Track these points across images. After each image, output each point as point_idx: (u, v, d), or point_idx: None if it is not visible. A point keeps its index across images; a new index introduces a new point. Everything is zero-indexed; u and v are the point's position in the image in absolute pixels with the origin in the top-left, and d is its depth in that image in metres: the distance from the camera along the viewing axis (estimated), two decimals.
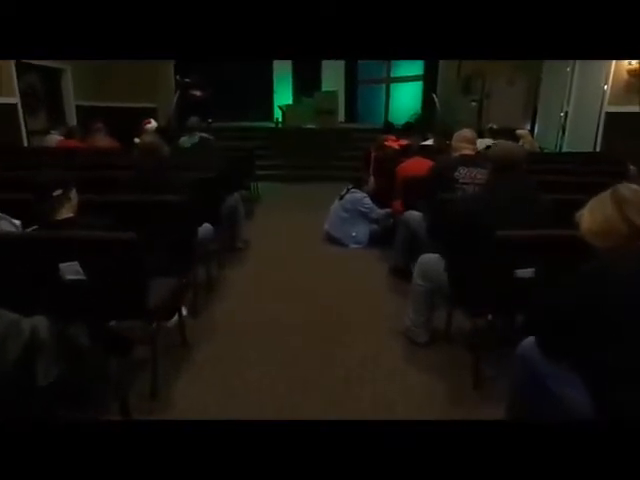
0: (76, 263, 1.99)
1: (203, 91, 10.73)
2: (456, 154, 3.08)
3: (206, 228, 3.38)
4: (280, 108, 10.49)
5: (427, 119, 9.77)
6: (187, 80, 10.75)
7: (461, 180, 2.97)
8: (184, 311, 3.03)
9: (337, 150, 9.03)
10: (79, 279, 2.01)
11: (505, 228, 2.06)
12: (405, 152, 4.30)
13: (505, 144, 2.32)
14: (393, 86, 11.85)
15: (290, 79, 12.54)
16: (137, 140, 6.40)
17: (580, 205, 1.45)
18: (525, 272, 2.05)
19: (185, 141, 6.13)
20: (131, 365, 2.36)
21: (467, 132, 3.12)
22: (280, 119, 10.40)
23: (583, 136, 6.83)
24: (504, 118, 7.98)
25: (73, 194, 2.11)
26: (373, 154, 5.36)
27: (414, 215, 3.50)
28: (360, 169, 6.60)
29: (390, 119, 11.75)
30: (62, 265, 1.96)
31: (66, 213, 2.06)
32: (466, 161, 3.00)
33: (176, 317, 2.72)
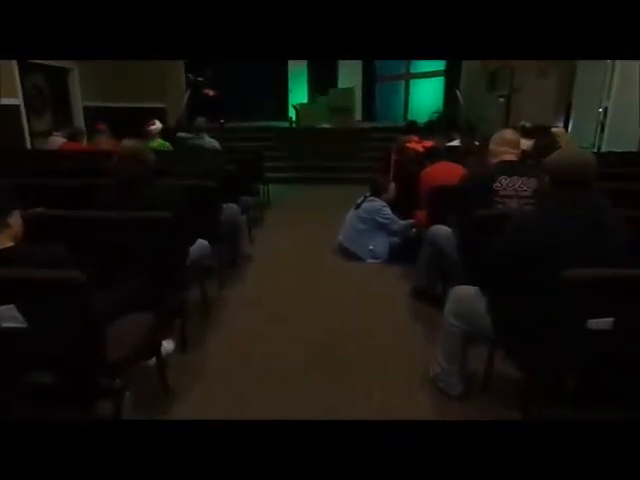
0: (12, 307, 1.55)
1: (216, 90, 10.33)
2: (495, 160, 2.56)
3: (201, 245, 2.93)
4: (294, 107, 10.02)
5: (450, 117, 9.18)
6: (199, 79, 10.36)
7: (502, 192, 2.45)
8: (170, 345, 2.59)
9: (354, 151, 8.52)
10: (17, 326, 1.57)
11: (569, 263, 1.55)
12: (430, 155, 3.77)
13: (569, 151, 1.79)
14: (413, 82, 11.27)
15: (305, 77, 12.07)
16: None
17: None
18: (600, 323, 1.53)
19: (187, 139, 5.75)
20: None
21: (509, 133, 2.59)
22: (294, 119, 9.93)
23: (626, 134, 6.19)
24: (535, 115, 7.34)
25: (14, 218, 1.67)
26: (393, 157, 4.84)
27: (442, 230, 2.98)
28: (377, 172, 6.09)
29: (410, 117, 11.27)
30: None
31: (3, 243, 1.62)
32: (508, 169, 2.47)
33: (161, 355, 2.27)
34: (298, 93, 11.71)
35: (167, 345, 2.54)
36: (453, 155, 3.97)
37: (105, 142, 5.80)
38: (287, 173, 8.17)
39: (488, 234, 2.38)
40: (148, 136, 5.81)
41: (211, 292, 3.36)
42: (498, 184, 2.45)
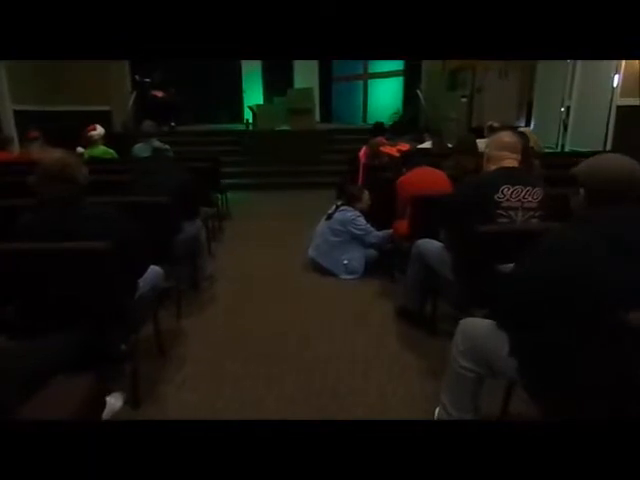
0: None
1: (165, 92, 9.70)
2: (493, 166, 2.25)
3: (153, 273, 2.46)
4: (250, 108, 9.55)
5: (411, 118, 9.01)
6: (147, 80, 9.71)
7: (505, 204, 2.14)
8: (118, 402, 2.12)
9: (316, 153, 8.16)
10: None
11: (619, 296, 1.25)
12: (406, 160, 3.46)
13: (607, 157, 1.49)
14: (371, 82, 11.03)
15: (260, 77, 11.62)
16: (80, 150, 5.42)
17: None
18: None
19: (140, 149, 5.21)
20: None
21: (507, 136, 2.29)
22: (251, 121, 9.46)
23: (590, 133, 6.15)
24: (497, 114, 7.24)
25: None
26: (363, 161, 4.50)
27: (431, 245, 2.66)
28: (346, 178, 5.76)
29: (369, 118, 11.05)
30: None
31: None
32: (510, 177, 2.17)
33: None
34: (253, 94, 11.25)
35: (114, 402, 2.07)
36: (427, 159, 3.67)
37: (39, 151, 5.13)
38: (246, 179, 7.71)
39: (493, 253, 2.08)
40: (89, 143, 5.22)
41: (169, 324, 2.90)
42: (500, 195, 2.14)
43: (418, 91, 8.87)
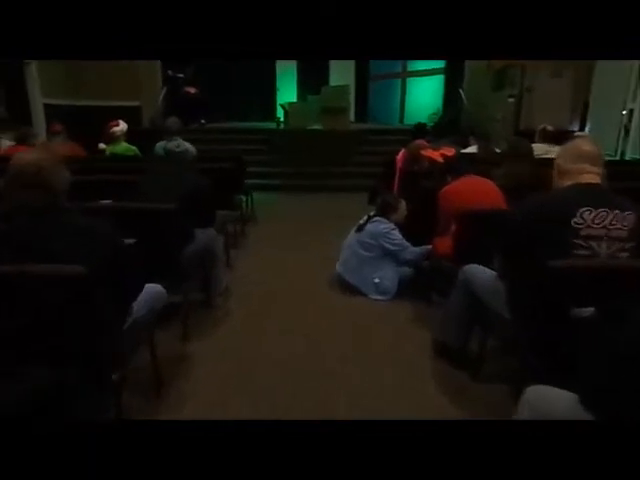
0: None
1: (198, 88, 9.48)
2: (568, 182, 1.79)
3: (150, 293, 2.11)
4: (282, 107, 9.19)
5: (451, 119, 8.46)
6: (180, 75, 9.50)
7: (584, 232, 1.67)
8: None
9: (349, 155, 7.74)
10: None
11: None
12: (452, 167, 3.00)
13: None
14: (410, 81, 10.50)
15: (295, 75, 11.26)
16: (102, 146, 5.19)
17: None
18: None
19: (162, 147, 4.92)
20: None
21: (585, 143, 1.81)
22: (282, 119, 9.11)
23: None
24: (549, 117, 6.62)
25: None
26: (400, 166, 4.06)
27: (481, 273, 2.21)
28: (379, 181, 5.32)
29: (407, 119, 10.53)
30: None
31: None
32: (592, 197, 1.70)
33: None
34: (287, 92, 10.90)
35: None
36: (474, 166, 3.20)
37: (61, 145, 4.93)
38: (275, 180, 7.36)
39: (568, 294, 1.63)
40: (110, 139, 4.98)
41: (172, 348, 2.56)
42: (579, 219, 1.67)
43: (460, 90, 8.31)
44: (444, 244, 2.85)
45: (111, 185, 3.41)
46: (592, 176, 1.75)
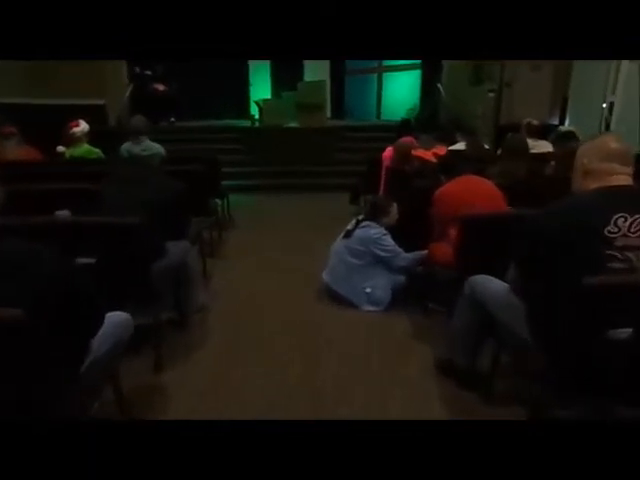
0: None
1: (167, 85, 9.05)
2: (594, 185, 1.57)
3: (113, 324, 1.81)
4: (256, 104, 8.86)
5: (430, 114, 8.30)
6: (148, 72, 9.05)
7: (619, 242, 1.45)
8: None
9: (327, 153, 7.48)
10: None
11: None
12: (446, 167, 2.78)
13: None
14: (386, 76, 10.31)
15: (268, 70, 10.92)
16: (61, 149, 4.78)
17: None
18: None
19: (127, 149, 4.56)
20: None
21: (613, 140, 1.59)
22: (257, 117, 8.78)
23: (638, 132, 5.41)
24: (528, 110, 6.52)
25: None
26: (387, 165, 3.82)
27: (492, 285, 1.98)
28: (362, 179, 5.08)
29: (384, 115, 10.35)
30: None
31: None
32: (628, 201, 1.49)
33: None
34: (261, 88, 10.56)
35: None
36: (470, 165, 2.99)
37: (14, 149, 4.50)
38: (251, 180, 7.05)
39: (602, 313, 1.41)
40: (70, 141, 4.58)
41: (142, 379, 2.25)
42: (613, 228, 1.45)
43: (439, 85, 8.14)
44: (441, 250, 2.63)
45: (70, 193, 3.06)
46: (624, 177, 1.54)
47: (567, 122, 6.91)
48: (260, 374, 2.34)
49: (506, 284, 1.92)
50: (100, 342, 1.66)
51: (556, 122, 7.01)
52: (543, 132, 4.86)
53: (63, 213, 2.82)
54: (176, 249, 2.62)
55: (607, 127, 6.05)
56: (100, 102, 7.82)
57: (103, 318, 1.64)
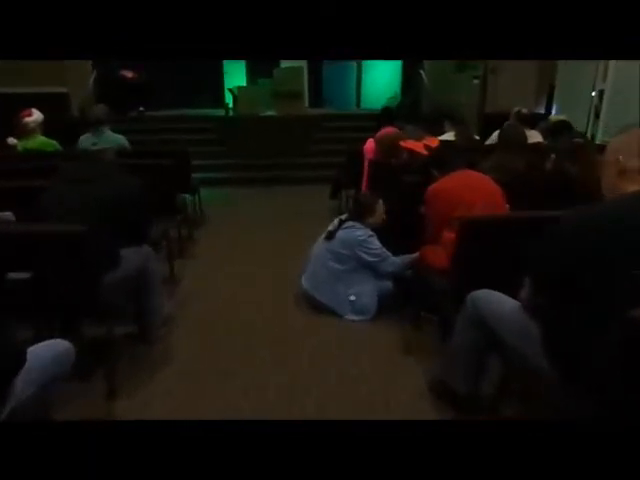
0: None
1: (136, 72, 8.52)
2: (632, 187, 1.29)
3: (48, 357, 1.48)
4: (231, 91, 8.43)
5: (411, 102, 8.01)
6: None
7: None
8: None
9: (306, 144, 7.14)
10: None
11: None
12: (439, 161, 2.48)
13: None
14: (366, 63, 9.95)
15: None
16: (13, 141, 4.33)
17: None
18: None
19: (86, 141, 4.15)
20: None
21: None
22: (231, 105, 8.36)
23: (629, 122, 5.21)
24: (513, 98, 6.31)
25: None
26: (369, 157, 3.51)
27: (499, 304, 1.70)
28: (342, 174, 4.78)
29: (363, 103, 10.02)
30: None
31: None
32: None
33: None
34: (235, 74, 10.06)
35: None
36: (464, 158, 2.70)
37: None
38: (224, 173, 6.67)
39: None
40: (23, 132, 4.13)
41: (96, 409, 1.93)
42: None
43: (421, 72, 7.85)
44: (435, 254, 2.34)
45: (18, 191, 2.67)
46: None
47: (554, 111, 6.71)
48: (231, 399, 2.03)
49: (515, 301, 1.65)
50: (25, 382, 1.33)
51: (542, 111, 6.81)
52: (533, 122, 4.64)
53: (5, 215, 2.45)
54: (134, 256, 2.28)
55: (597, 116, 5.86)
56: (62, 90, 7.31)
57: (23, 359, 1.31)
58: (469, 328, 1.78)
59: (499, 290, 1.76)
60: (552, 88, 6.72)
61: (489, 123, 5.88)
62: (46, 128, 4.36)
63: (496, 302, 1.70)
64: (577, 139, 2.89)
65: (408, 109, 7.29)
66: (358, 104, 10.12)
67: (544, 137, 4.11)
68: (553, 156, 2.83)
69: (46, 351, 1.49)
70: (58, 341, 1.56)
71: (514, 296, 1.67)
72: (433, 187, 2.38)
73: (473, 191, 2.23)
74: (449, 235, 2.21)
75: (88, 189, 2.15)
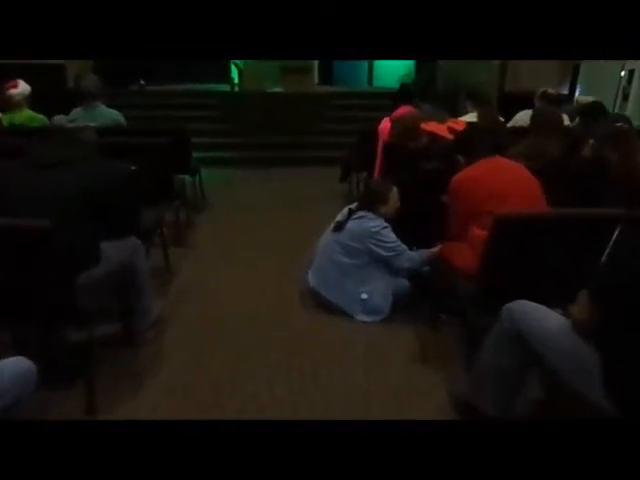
0: None
1: None
2: None
3: (10, 379, 1.25)
4: (236, 66, 8.05)
5: (426, 80, 7.60)
6: None
7: None
8: None
9: (314, 122, 6.80)
10: None
11: None
12: (465, 146, 2.18)
13: None
14: None
15: None
16: None
17: None
18: None
19: (77, 115, 3.87)
20: None
21: None
22: (237, 80, 7.99)
23: None
24: (535, 78, 5.92)
25: None
26: (384, 139, 3.20)
27: (542, 318, 1.43)
28: (353, 156, 4.47)
29: (376, 81, 9.63)
30: None
31: None
32: None
33: None
34: None
35: None
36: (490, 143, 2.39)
37: None
38: (228, 152, 6.36)
39: None
40: (8, 105, 3.83)
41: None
42: None
43: None
44: (460, 253, 2.06)
45: None
46: None
47: (577, 92, 6.31)
48: (230, 408, 1.80)
49: (563, 318, 1.38)
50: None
51: (566, 92, 6.41)
52: (560, 103, 4.29)
53: None
54: (117, 251, 2.01)
55: (625, 98, 5.48)
56: (59, 61, 6.97)
57: None
58: (504, 345, 1.52)
59: (538, 302, 1.50)
60: (576, 68, 6.30)
61: (509, 103, 5.53)
62: (40, 102, 4.09)
63: (539, 318, 1.43)
64: (619, 124, 2.57)
65: (423, 86, 6.90)
66: (370, 82, 9.74)
67: (570, 120, 3.79)
68: (592, 141, 2.53)
69: (5, 371, 1.26)
70: (19, 359, 1.33)
71: (560, 312, 1.40)
72: (459, 176, 2.08)
73: (505, 181, 1.94)
74: (478, 232, 1.93)
75: (60, 177, 1.85)
